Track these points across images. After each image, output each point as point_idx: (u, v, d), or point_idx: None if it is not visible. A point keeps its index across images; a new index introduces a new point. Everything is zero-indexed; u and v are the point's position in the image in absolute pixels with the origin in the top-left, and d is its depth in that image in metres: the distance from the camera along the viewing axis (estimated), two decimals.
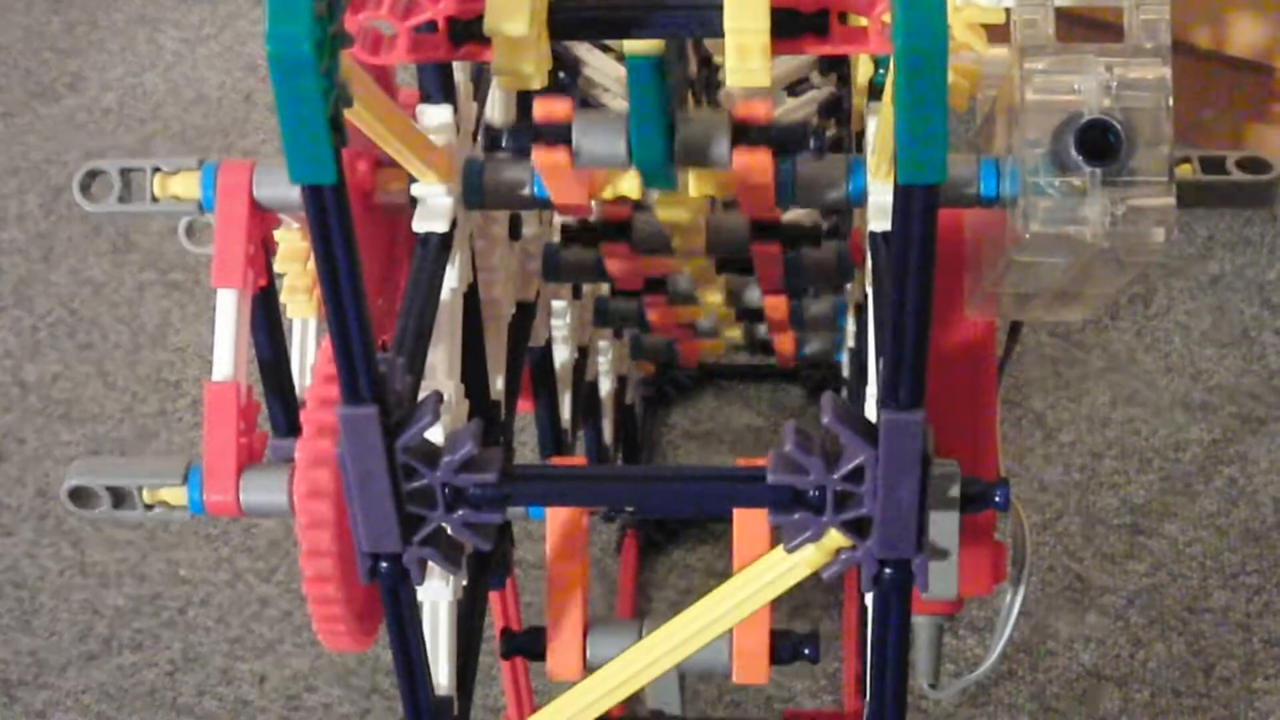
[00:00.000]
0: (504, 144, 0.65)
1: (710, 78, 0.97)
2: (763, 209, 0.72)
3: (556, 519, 0.70)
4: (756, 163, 0.64)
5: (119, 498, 0.69)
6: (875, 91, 0.73)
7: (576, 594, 0.70)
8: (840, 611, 1.13)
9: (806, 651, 0.70)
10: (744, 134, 0.64)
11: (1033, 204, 0.59)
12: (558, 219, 0.90)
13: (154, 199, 0.71)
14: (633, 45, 0.61)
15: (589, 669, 0.69)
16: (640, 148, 0.63)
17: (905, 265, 0.51)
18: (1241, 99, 1.37)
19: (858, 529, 0.58)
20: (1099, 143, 0.59)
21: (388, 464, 0.57)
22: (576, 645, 0.70)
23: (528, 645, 0.73)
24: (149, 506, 0.69)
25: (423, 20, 0.59)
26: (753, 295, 1.02)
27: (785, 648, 0.70)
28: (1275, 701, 1.10)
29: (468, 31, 0.59)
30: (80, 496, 0.69)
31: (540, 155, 0.62)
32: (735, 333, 1.14)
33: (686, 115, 0.65)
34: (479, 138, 0.73)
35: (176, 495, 0.69)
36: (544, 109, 0.63)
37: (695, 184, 0.71)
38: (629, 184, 0.68)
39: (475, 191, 0.69)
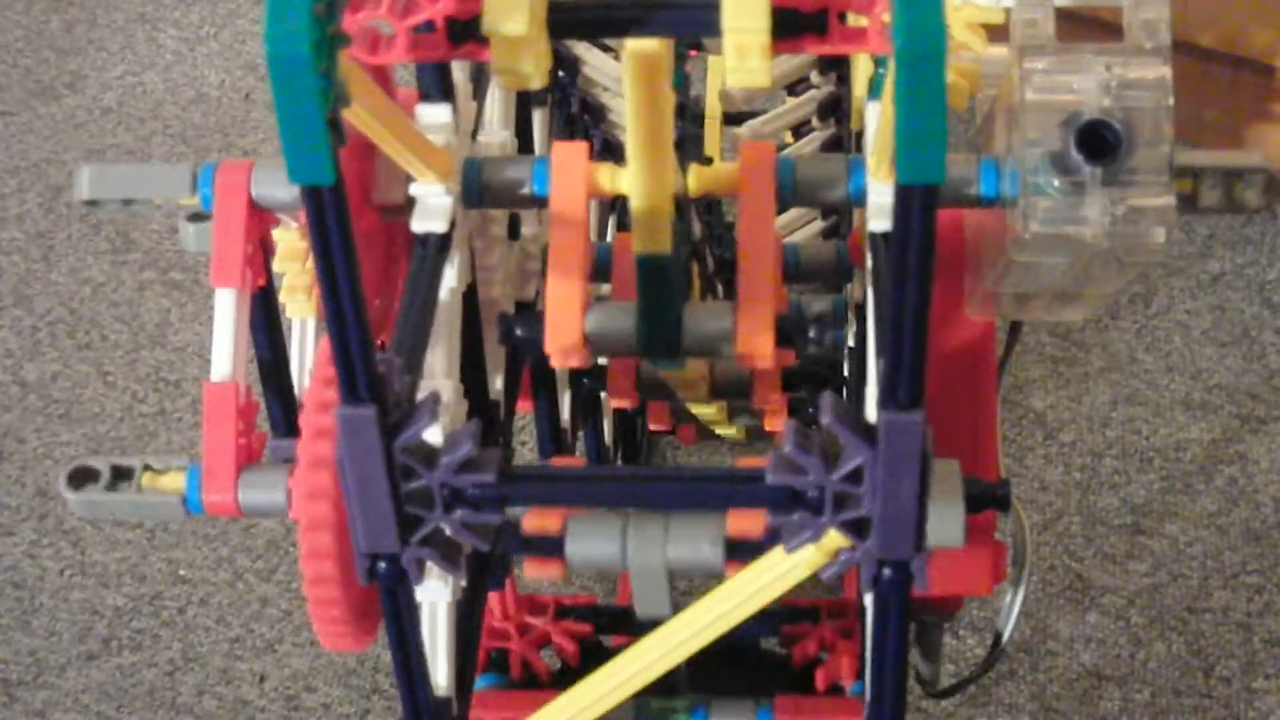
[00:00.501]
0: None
1: (714, 225, 0.98)
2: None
3: (560, 198, 0.69)
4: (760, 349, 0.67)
5: (118, 476, 0.69)
6: (875, 91, 0.73)
7: (576, 270, 0.69)
8: None
9: None
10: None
11: (1032, 204, 0.59)
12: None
13: (156, 204, 0.71)
14: (641, 247, 0.65)
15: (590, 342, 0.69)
16: (649, 338, 0.67)
17: (905, 265, 0.50)
18: (1242, 99, 1.36)
19: (857, 529, 0.58)
20: (1099, 142, 0.59)
21: (386, 464, 0.57)
22: (576, 322, 0.69)
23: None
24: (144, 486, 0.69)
25: (421, 20, 0.59)
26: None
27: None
28: (1275, 701, 1.10)
29: (466, 31, 0.59)
30: (79, 480, 0.69)
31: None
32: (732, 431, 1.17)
33: (693, 308, 0.68)
34: (477, 140, 0.73)
35: (175, 486, 0.69)
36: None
37: (695, 183, 0.71)
38: (628, 181, 0.68)
39: (474, 191, 0.69)
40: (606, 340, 0.67)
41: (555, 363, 0.69)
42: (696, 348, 0.68)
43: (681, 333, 0.68)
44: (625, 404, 0.82)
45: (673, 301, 0.67)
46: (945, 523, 0.61)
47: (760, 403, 0.84)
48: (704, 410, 1.01)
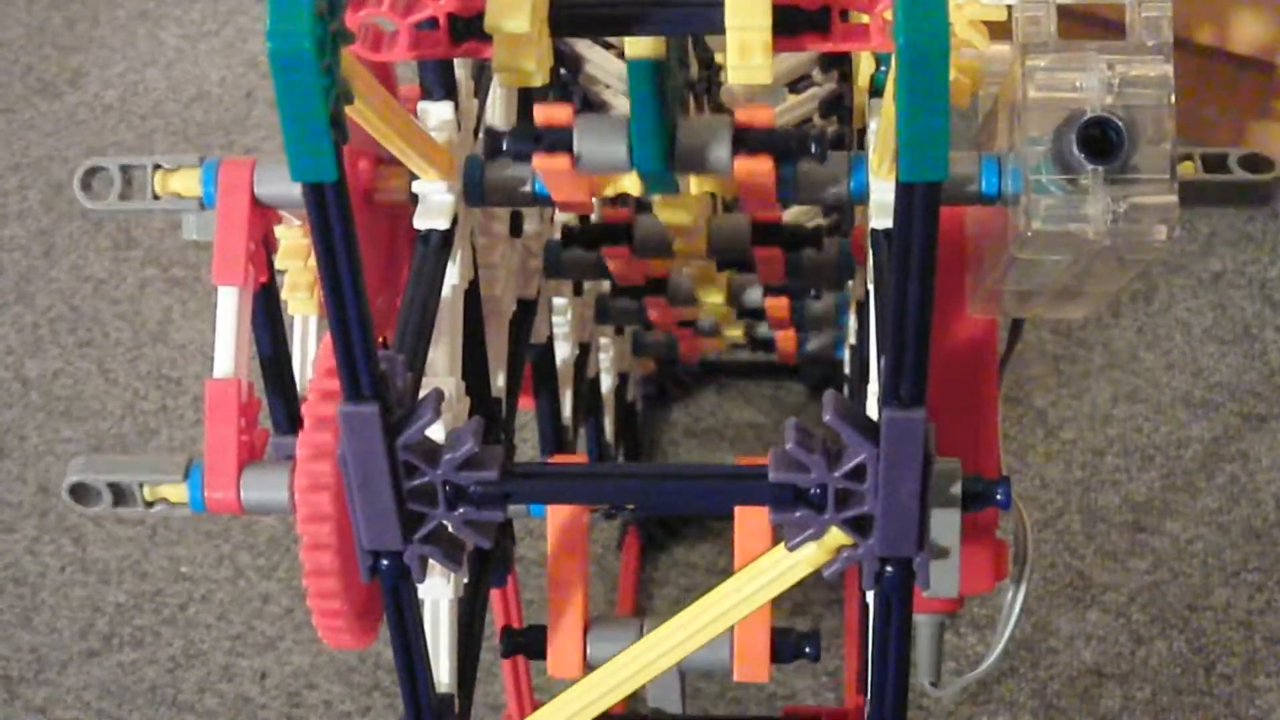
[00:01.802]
0: (505, 147, 0.65)
1: (711, 80, 0.97)
2: (764, 208, 0.72)
3: (557, 518, 0.70)
4: (758, 168, 0.64)
5: (119, 495, 0.69)
6: (877, 89, 0.73)
7: (577, 592, 0.70)
8: (841, 609, 1.13)
9: (808, 650, 0.70)
10: (744, 140, 0.64)
11: (1034, 202, 0.59)
12: (559, 217, 0.91)
13: (155, 196, 0.71)
14: (633, 48, 0.62)
15: (590, 667, 0.69)
16: (641, 152, 0.63)
17: (907, 263, 0.50)
18: (1243, 96, 1.36)
19: (859, 527, 0.58)
20: (1101, 140, 0.59)
21: (388, 462, 0.57)
22: (577, 644, 0.70)
23: (529, 644, 0.73)
24: (150, 504, 0.69)
25: (423, 17, 0.59)
26: (754, 295, 1.02)
27: (787, 646, 0.70)
28: (1276, 699, 1.10)
29: (468, 28, 0.59)
30: (81, 493, 0.69)
31: (541, 161, 0.63)
32: (736, 331, 1.14)
33: (688, 120, 0.65)
34: (480, 138, 0.73)
35: (177, 492, 0.69)
36: (545, 114, 0.63)
37: (696, 182, 0.71)
38: (630, 182, 0.68)
39: (476, 188, 0.69)
40: (596, 151, 0.63)
41: (543, 174, 0.65)
42: (691, 160, 0.64)
43: (675, 149, 0.64)
44: (622, 268, 0.80)
45: (665, 110, 0.63)
46: (943, 576, 0.61)
47: (760, 253, 0.83)
48: (708, 298, 0.99)
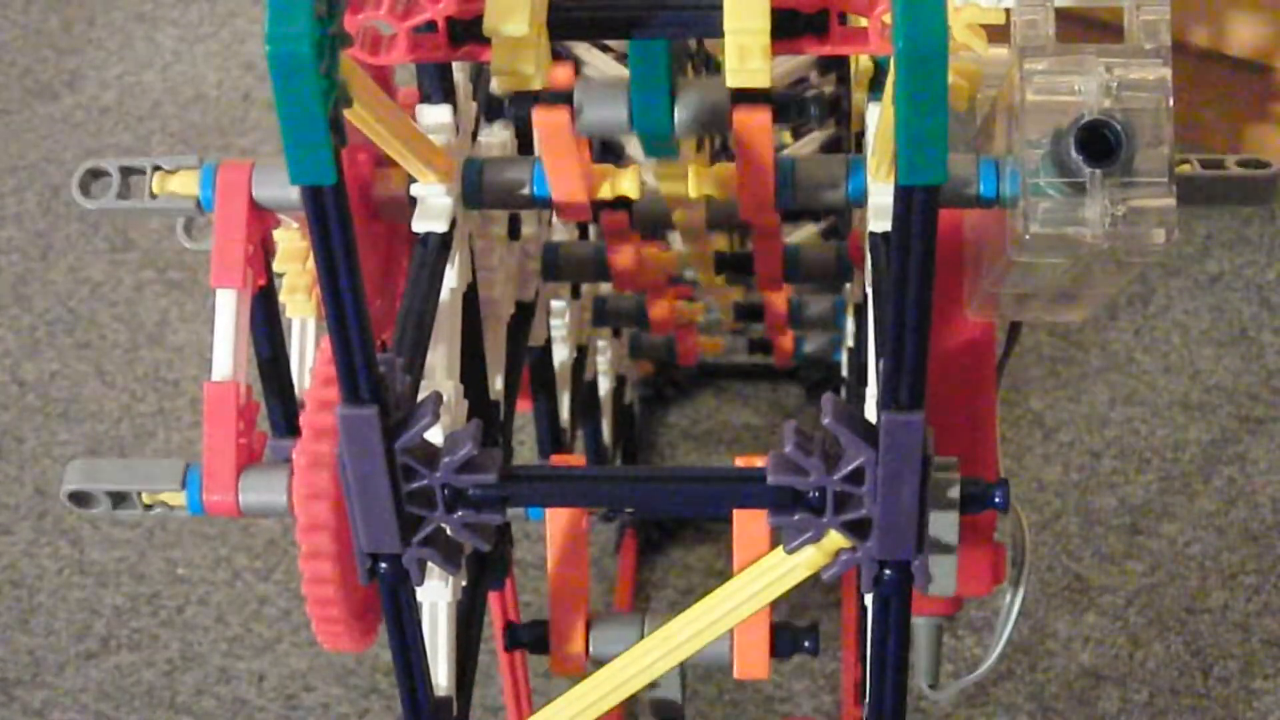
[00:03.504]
0: (505, 111, 0.65)
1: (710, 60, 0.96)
2: (762, 204, 0.72)
3: (557, 521, 0.70)
4: (756, 121, 0.64)
5: (118, 499, 0.69)
6: (875, 91, 0.73)
7: (579, 589, 0.70)
8: (839, 611, 1.13)
9: (806, 645, 0.70)
10: (743, 96, 0.64)
11: (1033, 205, 0.59)
12: (557, 222, 0.91)
13: (152, 195, 0.71)
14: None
15: (594, 664, 0.69)
16: (642, 114, 0.64)
17: (905, 266, 0.51)
18: (1241, 99, 1.36)
19: (858, 530, 0.58)
20: (1099, 144, 0.59)
21: (387, 465, 0.57)
22: (580, 640, 0.70)
23: (533, 640, 0.73)
24: (148, 507, 0.69)
25: (422, 20, 0.59)
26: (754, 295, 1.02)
27: (785, 642, 0.70)
28: (1274, 701, 1.10)
29: (467, 32, 0.59)
30: (80, 498, 0.69)
31: (541, 115, 0.63)
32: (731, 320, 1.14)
33: (687, 81, 0.65)
34: (477, 138, 0.73)
35: (175, 496, 0.69)
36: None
37: (695, 183, 0.71)
38: (628, 183, 0.68)
39: (475, 191, 0.69)
40: (597, 110, 0.65)
41: (542, 133, 0.65)
42: (691, 119, 0.65)
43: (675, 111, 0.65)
44: (626, 256, 0.81)
45: (667, 74, 0.64)
46: (942, 574, 0.61)
47: (753, 218, 0.83)
48: (709, 281, 0.99)
